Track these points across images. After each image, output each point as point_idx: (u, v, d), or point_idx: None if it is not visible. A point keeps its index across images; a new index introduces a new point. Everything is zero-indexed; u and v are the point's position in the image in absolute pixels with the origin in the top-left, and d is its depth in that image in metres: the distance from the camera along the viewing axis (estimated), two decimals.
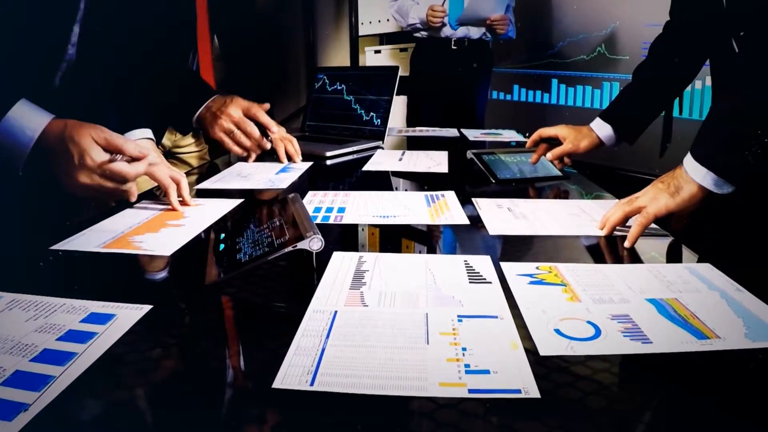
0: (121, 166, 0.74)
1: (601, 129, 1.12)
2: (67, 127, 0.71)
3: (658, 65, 1.09)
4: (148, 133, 0.98)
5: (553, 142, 1.14)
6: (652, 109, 1.12)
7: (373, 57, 3.51)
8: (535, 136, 1.15)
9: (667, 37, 1.09)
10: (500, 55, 2.84)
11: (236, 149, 1.21)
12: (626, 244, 0.71)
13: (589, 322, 0.50)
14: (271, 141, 1.23)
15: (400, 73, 1.53)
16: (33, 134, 0.70)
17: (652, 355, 0.45)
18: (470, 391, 0.40)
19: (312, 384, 0.41)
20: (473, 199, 0.91)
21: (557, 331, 0.49)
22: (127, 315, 0.51)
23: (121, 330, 0.49)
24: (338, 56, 3.90)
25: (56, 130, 0.71)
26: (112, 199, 0.80)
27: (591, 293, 0.56)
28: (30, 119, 0.71)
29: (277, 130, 1.21)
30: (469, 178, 1.14)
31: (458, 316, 0.51)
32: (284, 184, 1.06)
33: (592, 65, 2.64)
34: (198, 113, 1.18)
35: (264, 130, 1.21)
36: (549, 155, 1.11)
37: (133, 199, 0.80)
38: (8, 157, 0.72)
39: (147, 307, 0.52)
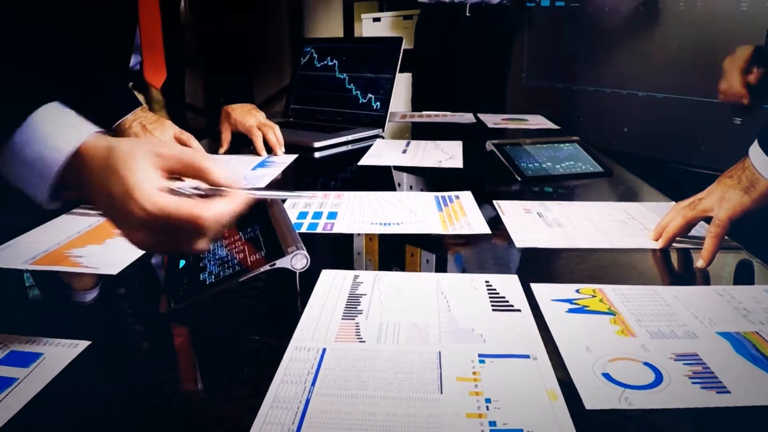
0: (190, 207, 0.49)
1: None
2: (114, 152, 0.51)
3: None
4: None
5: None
6: None
7: (371, 26, 3.49)
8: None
9: None
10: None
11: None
12: (699, 263, 0.68)
13: (646, 364, 0.48)
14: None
15: (404, 45, 1.51)
16: (58, 157, 0.52)
17: (730, 409, 0.43)
18: None
19: None
20: (495, 202, 0.90)
21: (606, 375, 0.46)
22: (58, 354, 0.49)
23: (49, 375, 0.46)
24: (329, 25, 3.88)
25: (98, 152, 0.51)
26: (173, 254, 0.61)
27: (647, 325, 0.54)
28: (57, 133, 0.52)
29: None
30: (490, 175, 1.13)
31: (480, 355, 0.49)
32: (262, 183, 1.04)
33: None
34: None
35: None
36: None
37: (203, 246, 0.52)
38: (30, 182, 0.53)
39: (84, 344, 0.51)
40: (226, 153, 1.28)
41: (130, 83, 1.23)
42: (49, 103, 0.54)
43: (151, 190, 0.48)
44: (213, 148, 1.31)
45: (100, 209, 0.52)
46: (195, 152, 0.52)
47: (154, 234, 0.49)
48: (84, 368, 0.48)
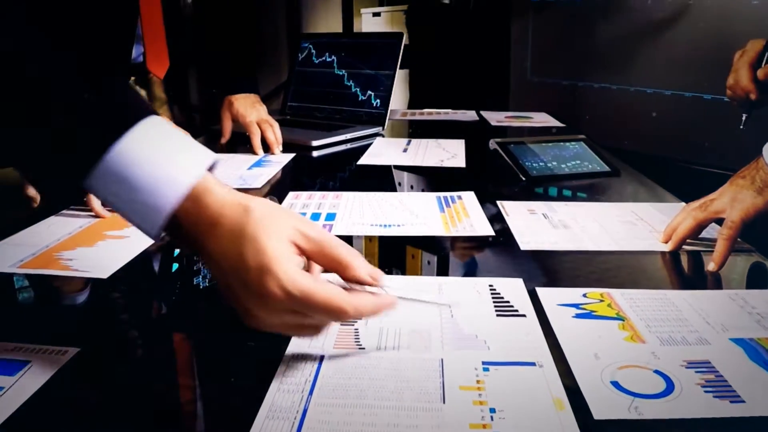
0: (335, 295, 0.45)
1: None
2: (254, 213, 0.46)
3: None
4: None
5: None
6: None
7: (370, 21, 3.48)
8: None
9: None
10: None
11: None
12: (711, 267, 0.68)
13: (657, 372, 0.47)
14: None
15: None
16: (164, 207, 0.46)
17: (744, 419, 0.42)
18: None
19: None
20: (499, 203, 0.90)
21: (615, 384, 0.46)
22: (45, 362, 0.49)
23: (36, 384, 0.46)
24: (328, 20, 3.88)
25: (233, 210, 0.46)
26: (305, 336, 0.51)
27: (657, 331, 0.54)
28: (171, 177, 0.46)
29: None
30: (493, 175, 1.12)
31: (484, 363, 0.49)
32: (258, 183, 1.04)
33: None
34: None
35: None
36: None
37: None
38: (145, 219, 0.48)
39: (72, 351, 0.50)
40: (221, 152, 1.28)
41: (132, 78, 1.23)
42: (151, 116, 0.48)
43: (294, 268, 0.44)
44: (211, 146, 1.30)
45: (213, 272, 0.47)
46: (340, 242, 0.48)
47: (283, 316, 0.45)
48: (73, 377, 0.47)
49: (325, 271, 0.49)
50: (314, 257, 0.47)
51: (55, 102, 0.47)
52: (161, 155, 0.46)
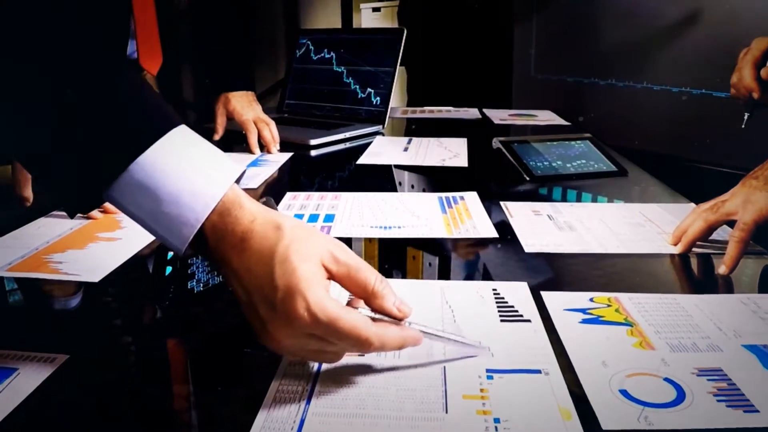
0: (360, 324, 0.44)
1: None
2: (286, 233, 0.45)
3: None
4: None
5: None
6: None
7: (370, 16, 3.48)
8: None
9: None
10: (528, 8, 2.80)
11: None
12: (722, 270, 0.67)
13: (667, 380, 0.47)
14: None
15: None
16: (192, 220, 0.45)
17: (758, 430, 0.41)
18: None
19: None
20: (502, 203, 0.89)
21: (624, 392, 0.45)
22: (34, 369, 0.48)
23: (24, 392, 0.45)
24: (326, 15, 3.88)
25: (265, 228, 0.46)
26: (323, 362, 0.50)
27: (667, 337, 0.53)
28: (199, 189, 0.46)
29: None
30: (496, 175, 1.12)
31: (487, 370, 0.48)
32: (255, 183, 1.04)
33: None
34: None
35: None
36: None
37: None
38: (171, 233, 0.47)
39: (62, 357, 0.50)
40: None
41: None
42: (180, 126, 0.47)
43: (323, 292, 0.43)
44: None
45: (236, 288, 0.46)
46: (369, 268, 0.47)
47: (305, 340, 0.44)
48: (62, 384, 0.47)
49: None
50: (342, 281, 0.47)
51: (83, 105, 0.46)
52: (189, 166, 0.46)
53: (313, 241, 0.46)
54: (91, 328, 0.59)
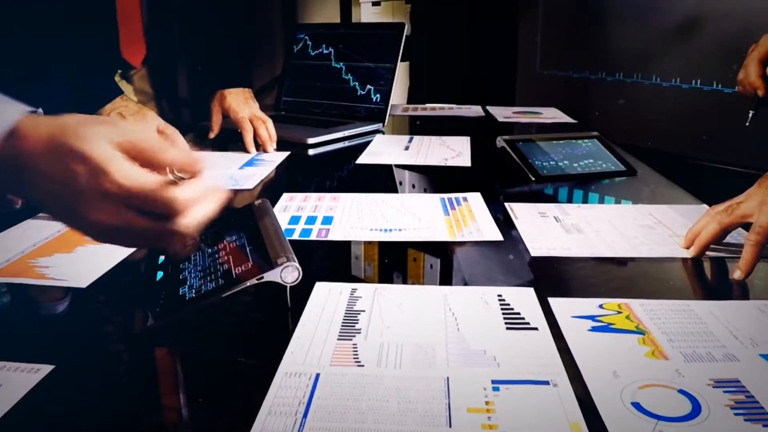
0: (167, 190, 0.49)
1: None
2: (61, 130, 0.48)
3: None
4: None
5: None
6: None
7: (370, 11, 3.48)
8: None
9: None
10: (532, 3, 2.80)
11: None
12: (737, 275, 0.67)
13: (681, 392, 0.46)
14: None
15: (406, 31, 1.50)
16: None
17: None
18: None
19: None
20: (507, 205, 0.89)
21: (636, 405, 0.45)
22: (17, 381, 0.48)
23: (6, 404, 0.45)
24: (325, 10, 3.87)
25: (39, 136, 0.48)
26: (153, 247, 0.57)
27: (681, 346, 0.52)
28: None
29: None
30: (500, 175, 1.12)
31: (493, 381, 0.47)
32: (250, 183, 1.03)
33: None
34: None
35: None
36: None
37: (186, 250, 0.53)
38: None
39: (47, 368, 0.49)
40: (210, 149, 1.27)
41: (119, 71, 1.22)
42: None
43: (125, 162, 0.47)
44: (199, 143, 1.30)
45: (49, 205, 0.49)
46: (160, 141, 0.50)
47: (121, 213, 0.47)
48: (46, 397, 0.47)
49: None
50: (143, 160, 0.49)
51: None
52: None
53: (89, 123, 0.48)
54: (77, 336, 0.59)
